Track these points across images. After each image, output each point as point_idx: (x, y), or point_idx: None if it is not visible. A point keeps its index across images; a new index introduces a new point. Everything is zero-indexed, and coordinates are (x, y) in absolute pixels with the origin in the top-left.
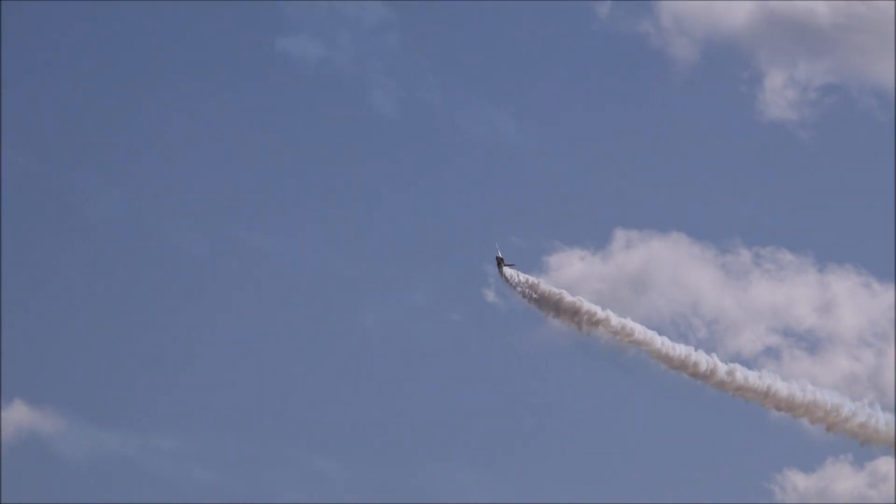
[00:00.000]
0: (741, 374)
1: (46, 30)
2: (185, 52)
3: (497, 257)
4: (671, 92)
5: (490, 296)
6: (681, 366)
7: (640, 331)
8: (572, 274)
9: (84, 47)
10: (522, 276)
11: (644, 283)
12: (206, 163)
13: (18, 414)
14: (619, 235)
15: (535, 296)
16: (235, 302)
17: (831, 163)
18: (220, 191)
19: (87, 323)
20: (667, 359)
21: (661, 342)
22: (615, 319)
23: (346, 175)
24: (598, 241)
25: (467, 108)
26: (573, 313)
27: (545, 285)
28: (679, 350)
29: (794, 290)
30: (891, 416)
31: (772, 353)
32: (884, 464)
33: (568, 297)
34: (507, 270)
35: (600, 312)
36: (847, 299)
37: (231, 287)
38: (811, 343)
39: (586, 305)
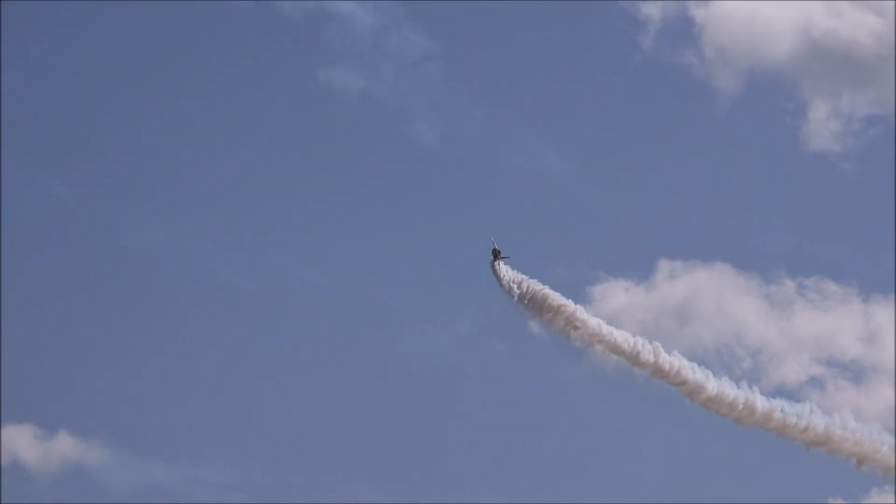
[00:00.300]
0: (779, 412)
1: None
2: (228, 82)
3: (493, 249)
4: (715, 123)
5: (534, 326)
6: (712, 401)
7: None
8: (616, 305)
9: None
10: (512, 273)
11: (688, 314)
12: (248, 193)
13: (64, 446)
14: (663, 266)
15: (521, 293)
16: (278, 332)
17: (875, 194)
18: (261, 221)
19: (131, 354)
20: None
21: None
22: (601, 327)
23: (388, 205)
24: (641, 271)
25: (509, 139)
26: (558, 315)
27: (533, 283)
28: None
29: (839, 321)
30: None
31: (816, 383)
32: None
33: (555, 299)
34: (500, 266)
35: (588, 319)
36: (891, 329)
37: (273, 317)
38: (855, 373)
39: (573, 309)
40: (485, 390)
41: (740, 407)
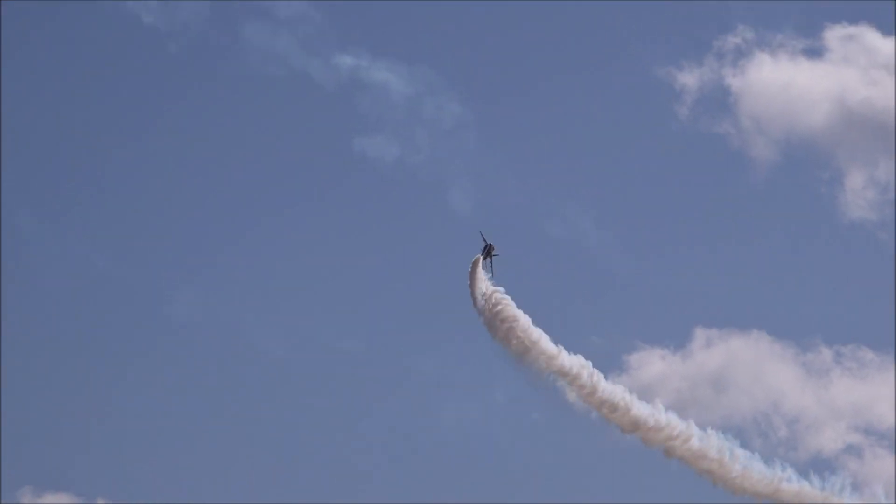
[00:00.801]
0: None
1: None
2: (264, 151)
3: (485, 246)
4: (751, 191)
5: (571, 394)
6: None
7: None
8: (653, 373)
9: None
10: (492, 290)
11: (724, 382)
12: (285, 261)
13: None
14: (700, 334)
15: (491, 311)
16: (314, 400)
17: None
18: (299, 290)
19: (168, 424)
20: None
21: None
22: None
23: (425, 274)
24: (678, 339)
25: (546, 207)
26: (519, 342)
27: (508, 308)
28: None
29: (876, 389)
30: None
31: (853, 451)
32: None
33: (524, 330)
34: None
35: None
36: None
37: (309, 385)
38: (893, 441)
39: (535, 339)
40: (521, 460)
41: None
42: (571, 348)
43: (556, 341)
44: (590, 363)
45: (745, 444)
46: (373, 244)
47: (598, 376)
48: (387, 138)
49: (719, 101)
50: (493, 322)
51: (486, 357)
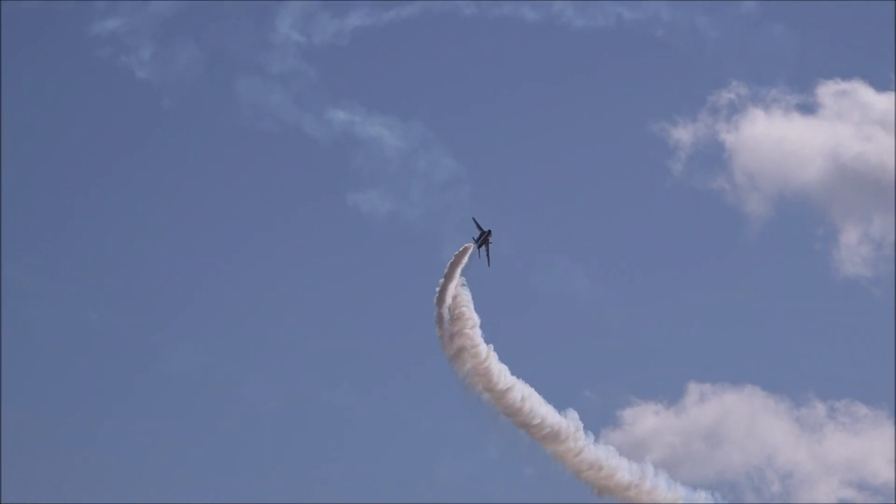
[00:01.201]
0: None
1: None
2: (257, 206)
3: (482, 232)
4: (745, 247)
5: (553, 453)
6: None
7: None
8: (646, 428)
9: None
10: (460, 297)
11: (718, 437)
12: (279, 317)
13: None
14: (693, 389)
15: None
16: (310, 456)
17: None
18: (293, 344)
19: (162, 477)
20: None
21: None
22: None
23: (418, 329)
24: (671, 394)
25: (540, 262)
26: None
27: (469, 317)
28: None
29: (869, 444)
30: None
31: None
32: None
33: (474, 344)
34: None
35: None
36: None
37: (305, 441)
38: (887, 496)
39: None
40: None
41: None
42: (564, 403)
43: (548, 396)
44: (576, 421)
45: (738, 499)
46: (367, 299)
47: (582, 438)
48: (380, 193)
49: (713, 156)
50: (450, 341)
51: (479, 412)
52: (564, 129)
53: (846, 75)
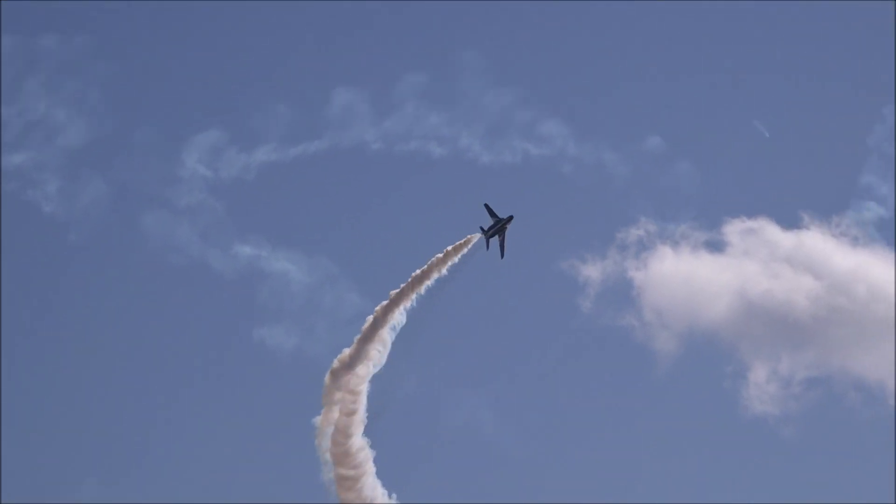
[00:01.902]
0: None
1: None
2: (161, 341)
3: (503, 218)
4: (655, 385)
5: None
6: None
7: None
8: None
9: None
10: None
11: None
12: (187, 455)
13: None
14: None
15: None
16: None
17: (813, 458)
18: (198, 475)
19: None
20: None
21: None
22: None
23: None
24: None
25: (445, 397)
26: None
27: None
28: None
29: None
30: None
31: None
32: None
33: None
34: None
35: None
36: None
37: None
38: None
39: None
40: None
41: None
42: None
43: None
44: None
45: None
46: (273, 434)
47: None
48: (286, 328)
49: (622, 293)
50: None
51: None
52: (471, 264)
53: (751, 214)
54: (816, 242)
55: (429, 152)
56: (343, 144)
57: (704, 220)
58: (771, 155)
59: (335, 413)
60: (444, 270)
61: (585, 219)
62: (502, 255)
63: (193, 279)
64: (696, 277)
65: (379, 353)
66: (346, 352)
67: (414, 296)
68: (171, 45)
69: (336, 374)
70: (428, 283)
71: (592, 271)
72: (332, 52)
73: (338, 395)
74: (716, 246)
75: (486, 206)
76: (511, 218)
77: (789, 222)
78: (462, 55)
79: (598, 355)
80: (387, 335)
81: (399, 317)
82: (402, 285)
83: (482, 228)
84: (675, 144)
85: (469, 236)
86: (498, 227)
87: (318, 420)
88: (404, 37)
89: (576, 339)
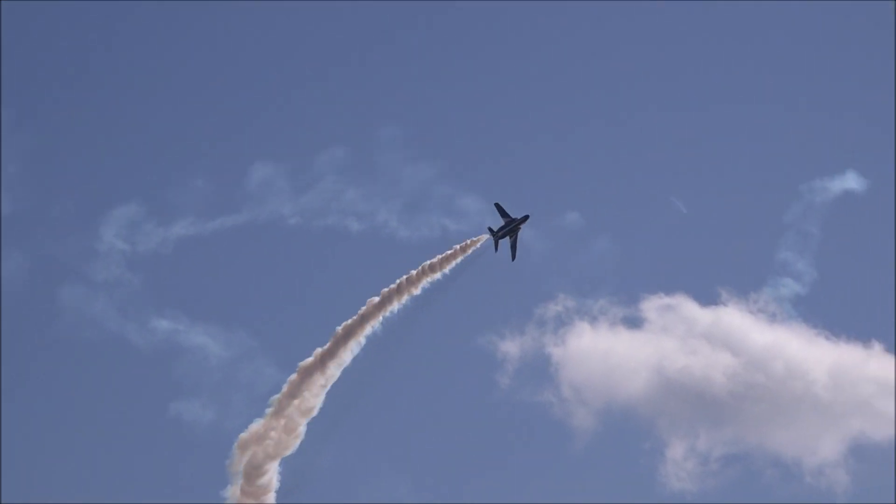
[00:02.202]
0: None
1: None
2: (78, 414)
3: (516, 219)
4: (572, 461)
5: None
6: None
7: None
8: None
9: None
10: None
11: None
12: None
13: None
14: None
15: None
16: None
17: None
18: None
19: None
20: None
21: None
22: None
23: None
24: None
25: (361, 472)
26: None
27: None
28: None
29: None
30: None
31: None
32: None
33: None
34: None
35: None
36: None
37: None
38: None
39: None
40: None
41: None
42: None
43: None
44: None
45: None
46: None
47: None
48: (203, 402)
49: (540, 369)
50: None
51: None
52: (389, 340)
53: (669, 290)
54: (734, 319)
55: (346, 227)
56: (261, 219)
57: (622, 296)
58: (689, 231)
59: (247, 486)
60: (361, 341)
61: (504, 294)
62: (513, 257)
63: (110, 353)
64: (614, 353)
65: (294, 426)
66: (260, 424)
67: (331, 370)
68: (89, 118)
69: (246, 447)
70: (342, 361)
71: (511, 347)
72: (251, 127)
73: (249, 469)
74: (634, 322)
75: (497, 205)
76: (526, 217)
77: (707, 299)
78: (380, 130)
79: (516, 431)
80: (302, 409)
81: (317, 390)
82: (313, 358)
83: (490, 230)
84: (593, 220)
85: (364, 309)
86: (511, 228)
87: (228, 493)
88: (323, 111)
89: (494, 416)
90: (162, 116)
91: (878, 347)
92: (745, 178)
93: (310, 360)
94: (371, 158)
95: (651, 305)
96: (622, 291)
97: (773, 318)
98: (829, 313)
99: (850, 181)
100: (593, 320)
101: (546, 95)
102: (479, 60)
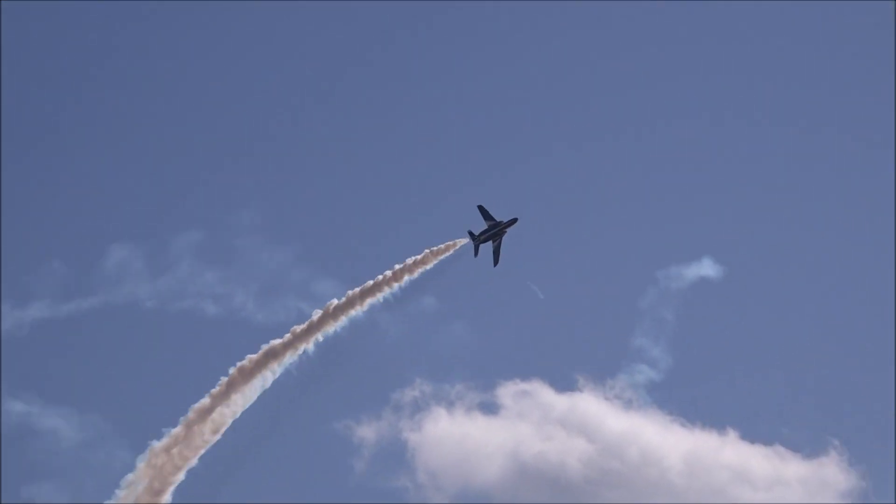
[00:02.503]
0: None
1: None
2: None
3: (503, 222)
4: None
5: None
6: None
7: None
8: None
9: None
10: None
11: None
12: None
13: None
14: None
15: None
16: None
17: None
18: None
19: None
20: None
21: None
22: None
23: None
24: None
25: None
26: None
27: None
28: None
29: None
30: None
31: None
32: None
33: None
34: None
35: None
36: None
37: None
38: None
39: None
40: None
41: None
42: None
43: None
44: None
45: None
46: None
47: None
48: (56, 486)
49: (397, 454)
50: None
51: None
52: (244, 428)
53: (525, 376)
54: (590, 405)
55: (203, 310)
56: (116, 301)
57: (479, 382)
58: (545, 317)
59: None
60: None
61: (360, 379)
62: (496, 263)
63: None
64: (470, 439)
65: None
66: None
67: (185, 453)
68: None
69: None
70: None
71: (367, 432)
72: (108, 209)
73: None
74: (490, 407)
75: (481, 207)
76: (514, 221)
77: (563, 385)
78: (238, 214)
79: None
80: (154, 492)
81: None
82: (168, 440)
83: (471, 233)
84: (449, 305)
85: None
86: (495, 231)
87: None
88: (180, 194)
89: (350, 501)
90: (16, 197)
91: (732, 434)
92: (600, 264)
93: (164, 440)
94: (228, 242)
95: (507, 391)
96: (478, 377)
97: (628, 404)
98: (683, 400)
99: (706, 268)
100: (450, 405)
101: (397, 184)
102: (332, 147)
